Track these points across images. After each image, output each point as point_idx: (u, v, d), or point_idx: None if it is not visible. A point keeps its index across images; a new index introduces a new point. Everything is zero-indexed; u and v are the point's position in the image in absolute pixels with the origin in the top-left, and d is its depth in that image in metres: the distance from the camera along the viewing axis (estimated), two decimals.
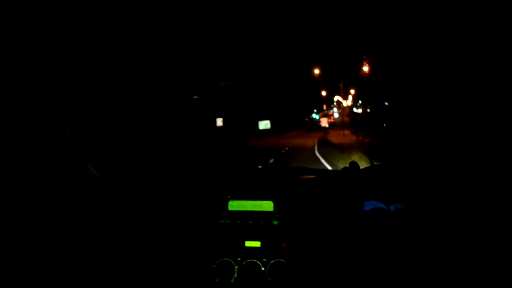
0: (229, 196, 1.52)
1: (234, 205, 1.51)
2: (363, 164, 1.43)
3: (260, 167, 1.90)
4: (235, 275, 1.41)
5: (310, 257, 1.39)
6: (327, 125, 42.04)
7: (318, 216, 1.43)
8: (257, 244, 1.45)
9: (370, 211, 0.77)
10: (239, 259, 1.43)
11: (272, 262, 1.41)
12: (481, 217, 0.41)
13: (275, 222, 1.48)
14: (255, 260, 1.42)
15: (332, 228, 1.35)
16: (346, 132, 27.19)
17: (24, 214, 1.45)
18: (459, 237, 0.44)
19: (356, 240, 0.61)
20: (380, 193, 1.40)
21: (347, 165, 1.49)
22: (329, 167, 10.59)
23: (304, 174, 1.67)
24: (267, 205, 1.49)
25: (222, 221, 1.50)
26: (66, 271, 1.48)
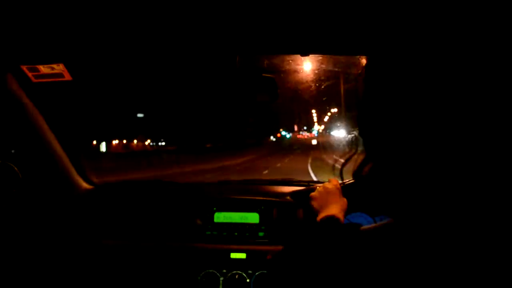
0: (215, 208, 1.53)
1: (220, 217, 1.52)
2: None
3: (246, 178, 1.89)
4: (220, 287, 1.41)
5: (295, 269, 1.40)
6: (315, 142, 41.70)
7: (303, 228, 1.45)
8: (242, 255, 1.45)
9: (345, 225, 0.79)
10: (224, 270, 1.43)
11: (257, 273, 1.42)
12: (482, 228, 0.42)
13: (261, 234, 1.49)
14: (240, 272, 1.43)
15: (316, 241, 1.37)
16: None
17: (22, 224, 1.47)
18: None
19: (340, 254, 0.63)
20: (365, 205, 1.43)
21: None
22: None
23: (290, 185, 1.69)
24: (253, 217, 1.51)
25: (208, 232, 1.51)
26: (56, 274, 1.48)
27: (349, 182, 1.47)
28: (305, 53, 1.13)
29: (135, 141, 40.95)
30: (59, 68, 1.23)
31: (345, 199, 1.16)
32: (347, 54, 1.20)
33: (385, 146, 0.48)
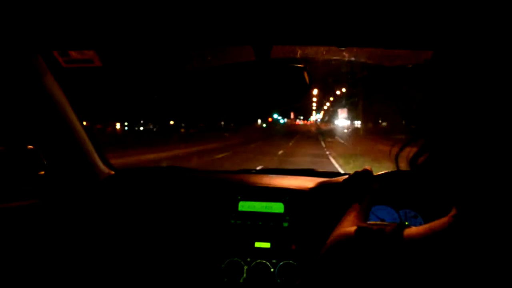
0: (239, 197, 1.53)
1: (245, 206, 1.52)
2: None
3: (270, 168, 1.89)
4: (244, 276, 1.42)
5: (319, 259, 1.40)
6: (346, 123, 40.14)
7: (327, 219, 1.43)
8: (267, 245, 1.46)
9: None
10: (248, 259, 1.44)
11: (281, 263, 1.42)
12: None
13: (285, 224, 1.48)
14: (264, 261, 1.43)
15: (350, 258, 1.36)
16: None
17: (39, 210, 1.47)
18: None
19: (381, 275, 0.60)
20: (392, 198, 1.41)
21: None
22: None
23: (313, 175, 1.67)
24: (278, 207, 1.50)
25: (232, 221, 1.51)
26: (78, 265, 1.50)
27: (401, 171, 1.44)
28: (342, 46, 1.10)
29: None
30: (89, 54, 1.23)
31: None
32: (409, 48, 1.12)
33: (449, 137, 0.46)
